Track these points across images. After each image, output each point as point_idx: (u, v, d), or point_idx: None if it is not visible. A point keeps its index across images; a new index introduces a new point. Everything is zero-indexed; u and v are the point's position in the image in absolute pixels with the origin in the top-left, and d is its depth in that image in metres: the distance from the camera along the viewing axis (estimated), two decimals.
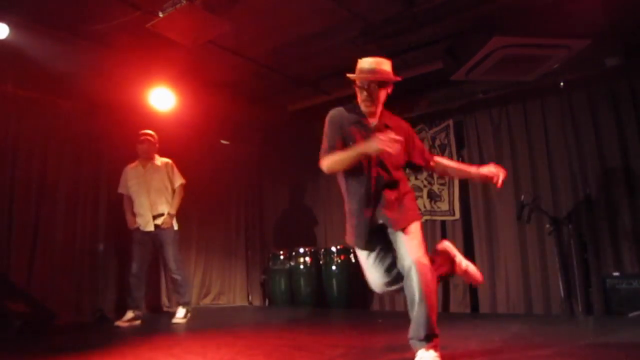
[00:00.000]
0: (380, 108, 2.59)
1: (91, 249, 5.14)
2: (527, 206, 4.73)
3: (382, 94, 2.56)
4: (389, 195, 2.47)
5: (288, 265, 6.07)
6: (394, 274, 2.52)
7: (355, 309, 5.78)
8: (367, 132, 2.48)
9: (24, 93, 4.74)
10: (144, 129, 4.94)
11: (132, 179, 4.83)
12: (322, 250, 6.03)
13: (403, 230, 2.40)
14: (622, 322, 3.79)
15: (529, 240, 5.01)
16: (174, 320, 4.62)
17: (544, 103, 5.11)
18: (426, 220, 5.79)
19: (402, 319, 4.83)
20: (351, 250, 5.90)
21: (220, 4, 3.88)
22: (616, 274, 4.32)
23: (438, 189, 5.75)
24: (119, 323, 4.45)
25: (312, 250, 6.07)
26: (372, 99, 2.53)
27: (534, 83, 4.97)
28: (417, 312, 2.27)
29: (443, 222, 5.68)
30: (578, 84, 4.89)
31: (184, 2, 3.53)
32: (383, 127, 2.50)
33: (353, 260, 5.84)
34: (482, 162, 5.42)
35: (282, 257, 6.14)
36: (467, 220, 5.50)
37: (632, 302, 4.04)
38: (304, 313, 5.49)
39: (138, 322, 4.53)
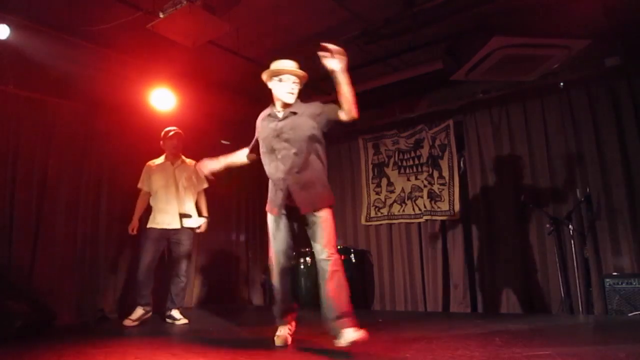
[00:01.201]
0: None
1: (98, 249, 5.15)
2: (527, 206, 4.74)
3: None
4: None
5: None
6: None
7: (356, 308, 5.76)
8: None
9: (25, 93, 4.74)
10: (144, 129, 4.94)
11: (157, 173, 4.72)
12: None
13: None
14: (622, 322, 3.79)
15: (529, 240, 5.01)
16: (181, 322, 4.55)
17: (544, 103, 5.12)
18: (426, 221, 5.80)
19: (402, 319, 4.85)
20: (351, 251, 5.91)
21: (221, 5, 3.89)
22: (616, 273, 4.32)
23: (438, 189, 5.76)
24: (127, 322, 4.36)
25: (312, 250, 6.06)
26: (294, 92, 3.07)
27: (534, 83, 4.98)
28: None
29: (443, 222, 5.69)
30: (578, 84, 4.90)
31: (185, 2, 3.54)
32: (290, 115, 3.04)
33: (353, 261, 5.84)
34: (482, 162, 5.44)
35: None
36: (467, 220, 5.50)
37: (632, 302, 4.04)
38: (304, 313, 5.49)
39: (149, 315, 4.50)
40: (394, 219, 6.08)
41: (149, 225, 4.65)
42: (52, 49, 4.32)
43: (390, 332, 3.66)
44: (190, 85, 5.37)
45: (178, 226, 4.66)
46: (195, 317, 5.04)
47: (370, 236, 6.27)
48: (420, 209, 5.86)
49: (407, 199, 6.01)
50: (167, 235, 4.65)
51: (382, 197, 6.24)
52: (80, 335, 4.09)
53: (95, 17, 4.07)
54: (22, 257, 4.56)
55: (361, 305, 5.98)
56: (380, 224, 6.20)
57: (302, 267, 5.92)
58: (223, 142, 6.90)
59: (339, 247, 5.85)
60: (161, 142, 4.82)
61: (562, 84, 4.95)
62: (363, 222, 6.35)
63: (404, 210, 6.02)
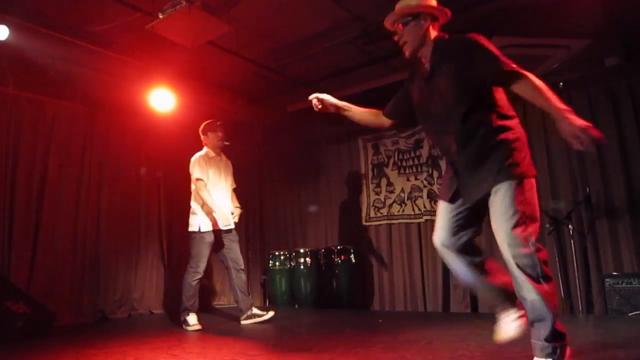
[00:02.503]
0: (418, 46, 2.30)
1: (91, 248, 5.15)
2: None
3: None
4: None
5: (288, 265, 6.07)
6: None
7: (356, 309, 5.79)
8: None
9: (25, 94, 4.75)
10: (144, 130, 4.93)
11: (212, 167, 4.44)
12: (322, 250, 6.03)
13: None
14: (622, 322, 3.79)
15: None
16: (270, 315, 4.34)
17: None
18: (426, 221, 5.79)
19: (402, 319, 4.84)
20: (351, 251, 5.91)
21: (220, 5, 3.89)
22: (616, 273, 4.32)
23: (438, 189, 5.75)
24: (194, 327, 4.15)
25: (312, 250, 6.07)
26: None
27: None
28: None
29: None
30: (577, 83, 4.89)
31: (184, 3, 3.54)
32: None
33: (353, 261, 5.84)
34: None
35: (282, 257, 6.14)
36: None
37: (632, 302, 4.04)
38: (304, 313, 5.50)
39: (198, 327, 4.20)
40: (394, 219, 6.07)
41: (205, 229, 4.29)
42: (51, 50, 4.33)
43: (390, 332, 3.66)
44: (190, 85, 5.37)
45: (233, 225, 4.47)
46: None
47: (370, 236, 6.26)
48: (420, 209, 5.86)
49: (407, 199, 6.01)
50: (220, 234, 4.40)
51: (382, 197, 6.24)
52: (80, 335, 4.09)
53: (95, 18, 4.07)
54: (22, 257, 4.57)
55: (361, 306, 5.98)
56: (380, 224, 6.19)
57: (302, 267, 5.92)
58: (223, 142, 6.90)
59: (338, 247, 5.92)
60: (203, 136, 4.54)
61: (561, 83, 4.94)
62: (363, 222, 6.35)
63: (403, 211, 6.01)
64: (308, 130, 6.76)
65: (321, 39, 4.67)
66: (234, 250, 4.46)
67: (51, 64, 4.48)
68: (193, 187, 4.39)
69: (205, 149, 4.53)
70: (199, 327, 4.17)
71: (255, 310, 4.40)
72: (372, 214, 6.30)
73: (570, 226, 4.52)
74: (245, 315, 4.37)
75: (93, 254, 5.15)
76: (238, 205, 4.79)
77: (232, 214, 4.57)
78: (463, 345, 2.76)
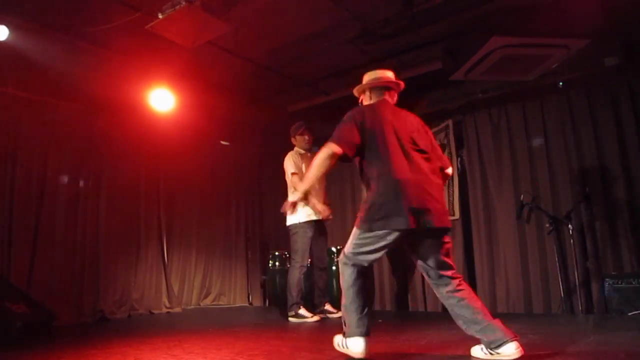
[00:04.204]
0: None
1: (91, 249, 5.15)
2: (526, 206, 4.73)
3: None
4: None
5: (288, 265, 6.06)
6: None
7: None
8: None
9: (24, 94, 4.74)
10: (144, 130, 4.93)
11: (303, 162, 4.63)
12: None
13: None
14: (622, 322, 3.79)
15: (529, 240, 5.01)
16: (337, 315, 4.39)
17: (543, 103, 5.12)
18: None
19: (402, 319, 4.84)
20: None
21: (220, 5, 3.88)
22: (616, 273, 4.32)
23: None
24: (308, 319, 4.36)
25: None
26: None
27: (533, 83, 4.98)
28: None
29: None
30: (577, 83, 4.90)
31: (183, 3, 3.54)
32: None
33: None
34: (481, 161, 5.44)
35: (282, 257, 6.14)
36: (467, 220, 5.50)
37: (632, 301, 4.04)
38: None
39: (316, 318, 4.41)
40: None
41: (304, 219, 4.50)
42: (51, 50, 4.32)
43: (390, 332, 3.66)
44: (189, 85, 5.37)
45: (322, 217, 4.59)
46: (195, 317, 5.05)
47: None
48: None
49: None
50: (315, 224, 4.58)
51: None
52: (80, 336, 4.09)
53: (94, 18, 4.06)
54: (22, 257, 4.56)
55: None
56: None
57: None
58: (222, 142, 6.91)
59: (338, 247, 5.91)
60: (292, 139, 4.84)
61: (561, 83, 4.94)
62: None
63: None
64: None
65: (321, 39, 4.67)
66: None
67: (51, 64, 4.47)
68: (289, 183, 4.64)
69: (295, 148, 4.82)
70: (317, 317, 4.41)
71: (327, 306, 4.59)
72: None
73: (570, 226, 4.53)
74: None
75: (93, 254, 5.14)
76: (328, 201, 4.83)
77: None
78: (463, 345, 2.75)
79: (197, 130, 6.11)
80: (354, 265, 2.49)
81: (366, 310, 2.48)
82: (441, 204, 2.47)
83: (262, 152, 7.30)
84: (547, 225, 4.68)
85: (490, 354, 2.34)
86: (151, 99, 5.13)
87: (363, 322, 2.45)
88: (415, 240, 2.45)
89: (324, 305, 4.59)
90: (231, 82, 5.64)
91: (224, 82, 5.61)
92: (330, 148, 2.49)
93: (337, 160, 2.55)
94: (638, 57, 4.55)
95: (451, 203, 5.62)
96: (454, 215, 5.58)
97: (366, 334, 2.45)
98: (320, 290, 4.61)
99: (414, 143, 2.55)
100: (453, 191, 5.64)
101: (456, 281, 2.44)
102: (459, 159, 5.69)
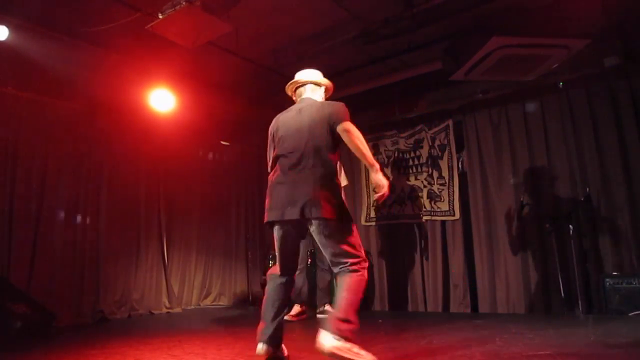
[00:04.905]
0: None
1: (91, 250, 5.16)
2: (527, 206, 4.73)
3: None
4: None
5: None
6: None
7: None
8: None
9: (24, 94, 4.74)
10: (144, 130, 4.92)
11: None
12: None
13: None
14: (622, 322, 3.79)
15: (529, 240, 5.01)
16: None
17: (544, 103, 5.11)
18: (426, 221, 5.79)
19: (402, 319, 4.84)
20: None
21: (220, 5, 3.88)
22: (616, 273, 4.32)
23: (438, 189, 5.75)
24: (289, 317, 4.39)
25: (312, 250, 6.06)
26: None
27: (533, 83, 4.98)
28: None
29: (443, 222, 5.68)
30: (577, 83, 4.89)
31: (184, 3, 3.54)
32: None
33: None
34: (481, 162, 5.44)
35: None
36: (467, 220, 5.50)
37: (632, 301, 4.04)
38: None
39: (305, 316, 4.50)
40: (394, 219, 6.07)
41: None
42: (51, 50, 4.33)
43: (390, 332, 3.66)
44: (190, 85, 5.37)
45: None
46: (195, 317, 5.04)
47: (370, 236, 6.26)
48: (420, 209, 5.86)
49: (407, 199, 6.00)
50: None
51: None
52: (80, 336, 4.09)
53: (95, 18, 4.07)
54: (22, 258, 4.56)
55: (361, 306, 5.97)
56: (380, 224, 6.19)
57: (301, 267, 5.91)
58: (222, 142, 6.91)
59: None
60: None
61: (561, 83, 4.94)
62: (363, 222, 6.35)
63: (403, 211, 6.01)
64: None
65: (321, 38, 4.67)
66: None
67: (51, 65, 4.47)
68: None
69: None
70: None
71: (327, 307, 4.57)
72: (372, 214, 6.30)
73: (570, 226, 4.52)
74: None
75: (93, 254, 5.14)
76: None
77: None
78: (463, 345, 2.76)
79: (197, 130, 6.11)
80: None
81: None
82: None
83: (262, 152, 7.27)
84: (548, 225, 4.68)
85: None
86: (151, 99, 5.13)
87: None
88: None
89: (324, 306, 4.57)
90: (231, 82, 5.64)
91: (224, 82, 5.61)
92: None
93: None
94: (638, 57, 4.55)
95: (451, 203, 5.62)
96: (454, 215, 5.58)
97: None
98: (321, 290, 4.60)
99: None
100: (453, 191, 5.64)
101: None
102: (459, 159, 5.69)
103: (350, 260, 2.51)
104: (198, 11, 3.62)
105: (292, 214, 2.49)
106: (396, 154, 6.18)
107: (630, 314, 4.01)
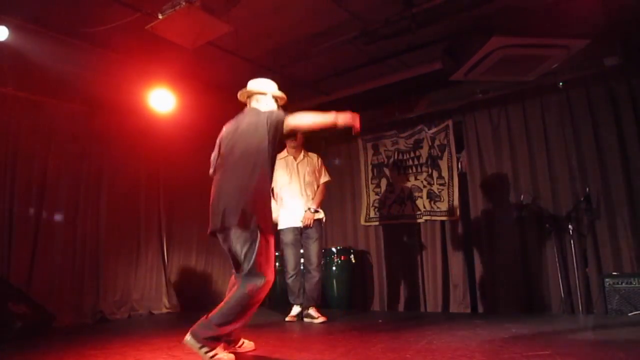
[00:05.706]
0: None
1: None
2: (526, 206, 4.73)
3: None
4: None
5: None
6: None
7: (356, 309, 5.79)
8: None
9: (24, 95, 4.74)
10: (144, 130, 4.92)
11: (281, 169, 4.73)
12: (322, 250, 6.02)
13: None
14: (622, 322, 3.79)
15: (529, 240, 5.01)
16: (319, 321, 4.34)
17: (543, 103, 5.12)
18: (426, 221, 5.80)
19: (402, 319, 4.84)
20: (351, 251, 5.91)
21: (220, 5, 3.89)
22: (616, 273, 4.32)
23: (437, 189, 5.76)
24: (289, 318, 4.52)
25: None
26: None
27: (533, 83, 4.98)
28: None
29: (443, 223, 5.69)
30: (577, 83, 4.90)
31: (184, 3, 3.54)
32: None
33: (353, 261, 5.84)
34: (481, 162, 5.44)
35: (281, 257, 6.12)
36: (467, 221, 5.50)
37: (632, 301, 4.05)
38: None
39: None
40: (394, 220, 6.08)
41: (281, 227, 4.61)
42: (51, 51, 4.33)
43: (390, 332, 3.66)
44: (190, 86, 5.37)
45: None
46: (196, 317, 5.02)
47: (370, 236, 6.27)
48: (419, 209, 5.86)
49: (407, 199, 6.01)
50: (299, 231, 4.62)
51: (382, 197, 6.24)
52: (80, 336, 4.09)
53: (94, 19, 4.07)
54: (22, 258, 4.56)
55: (361, 306, 5.98)
56: (380, 224, 6.20)
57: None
58: None
59: (338, 247, 5.91)
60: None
61: (561, 83, 4.95)
62: (363, 222, 6.35)
63: (403, 211, 6.01)
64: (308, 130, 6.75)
65: (321, 39, 4.67)
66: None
67: (50, 65, 4.47)
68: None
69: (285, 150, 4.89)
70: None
71: (310, 310, 4.50)
72: (372, 214, 6.30)
73: (570, 226, 4.53)
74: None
75: (93, 254, 5.14)
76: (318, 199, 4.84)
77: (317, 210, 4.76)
78: (463, 345, 2.76)
79: (197, 130, 6.10)
80: None
81: None
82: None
83: None
84: (548, 225, 4.68)
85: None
86: (151, 99, 5.13)
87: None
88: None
89: (308, 310, 4.47)
90: (231, 82, 5.63)
91: (224, 82, 5.61)
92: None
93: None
94: (638, 57, 4.55)
95: (451, 203, 5.62)
96: (454, 215, 5.59)
97: None
98: (305, 293, 4.56)
99: None
100: (453, 191, 5.64)
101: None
102: (459, 159, 5.69)
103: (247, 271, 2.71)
104: (198, 11, 3.62)
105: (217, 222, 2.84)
106: (396, 154, 6.18)
107: (630, 314, 4.01)
